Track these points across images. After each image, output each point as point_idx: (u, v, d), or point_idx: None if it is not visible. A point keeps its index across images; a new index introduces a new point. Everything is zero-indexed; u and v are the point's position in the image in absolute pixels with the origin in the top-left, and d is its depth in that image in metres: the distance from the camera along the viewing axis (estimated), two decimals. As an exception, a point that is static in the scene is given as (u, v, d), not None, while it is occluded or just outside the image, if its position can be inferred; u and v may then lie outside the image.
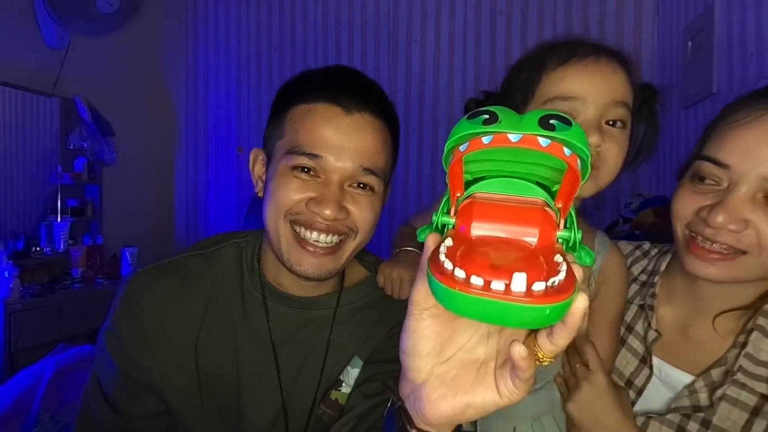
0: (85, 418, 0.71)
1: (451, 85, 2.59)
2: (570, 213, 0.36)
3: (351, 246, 0.67)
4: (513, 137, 0.33)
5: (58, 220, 2.56)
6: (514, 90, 0.69)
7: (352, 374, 0.70)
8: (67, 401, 1.37)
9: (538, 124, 0.32)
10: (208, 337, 0.70)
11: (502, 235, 0.36)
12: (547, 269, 0.32)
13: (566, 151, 0.33)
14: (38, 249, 2.47)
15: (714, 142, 0.61)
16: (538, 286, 0.30)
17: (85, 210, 2.69)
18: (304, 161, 0.62)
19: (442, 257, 0.33)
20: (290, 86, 0.70)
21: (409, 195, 2.69)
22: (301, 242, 0.64)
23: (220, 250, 0.75)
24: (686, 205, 0.62)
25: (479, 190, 0.38)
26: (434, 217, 0.39)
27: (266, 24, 2.98)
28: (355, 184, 0.65)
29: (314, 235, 0.64)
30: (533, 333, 0.37)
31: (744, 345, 0.63)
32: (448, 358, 0.40)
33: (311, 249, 0.64)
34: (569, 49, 0.64)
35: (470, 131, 0.34)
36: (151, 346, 0.68)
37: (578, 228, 0.37)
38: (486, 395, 0.39)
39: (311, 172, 0.63)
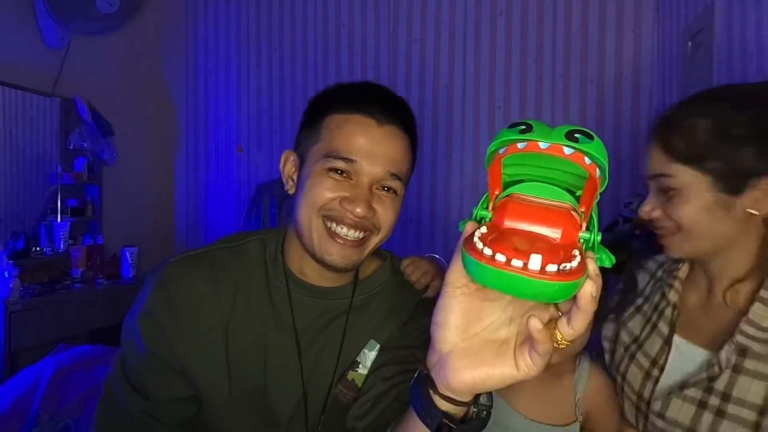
0: (109, 404, 0.74)
1: (451, 85, 2.59)
2: (591, 217, 0.42)
3: (374, 241, 0.75)
4: (543, 145, 0.40)
5: (58, 220, 2.56)
6: None
7: (369, 357, 0.77)
8: (67, 401, 1.37)
9: (565, 136, 0.39)
10: (238, 324, 0.76)
11: (531, 230, 0.42)
12: (563, 257, 0.39)
13: (587, 160, 0.39)
14: (38, 249, 2.47)
15: None
16: (551, 267, 0.37)
17: (85, 210, 2.69)
18: (340, 164, 0.70)
19: (476, 238, 0.41)
20: (326, 97, 0.78)
21: (409, 194, 2.69)
22: (333, 235, 0.72)
23: (246, 244, 0.82)
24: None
25: (517, 191, 0.45)
26: (474, 211, 0.47)
27: (266, 24, 2.98)
28: (382, 187, 0.73)
29: (344, 230, 0.72)
30: (553, 320, 0.43)
31: (745, 313, 0.72)
32: (474, 334, 0.45)
33: (341, 241, 0.72)
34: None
35: (509, 137, 0.41)
36: (185, 330, 0.73)
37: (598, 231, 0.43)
38: (505, 368, 0.44)
39: (344, 175, 0.71)
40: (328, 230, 0.72)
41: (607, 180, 0.41)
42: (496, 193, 0.46)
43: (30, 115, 2.50)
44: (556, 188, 0.44)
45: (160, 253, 2.96)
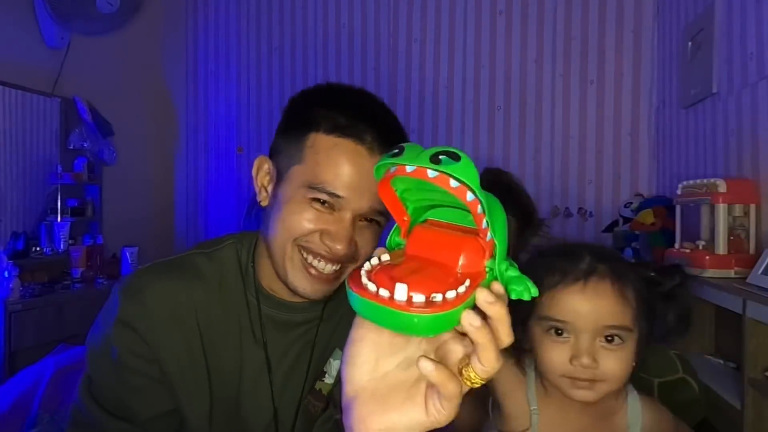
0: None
1: (451, 85, 2.59)
2: (495, 244, 0.39)
3: (350, 269, 0.69)
4: (408, 168, 0.38)
5: (58, 220, 2.56)
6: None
7: (334, 365, 0.75)
8: (67, 401, 1.37)
9: (429, 158, 0.37)
10: (215, 334, 0.72)
11: (434, 257, 0.41)
12: (448, 287, 0.36)
13: (452, 183, 0.36)
14: (38, 249, 2.47)
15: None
16: (418, 297, 0.35)
17: (85, 210, 2.69)
18: (324, 197, 0.65)
19: (364, 268, 0.40)
20: (312, 107, 0.69)
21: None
22: (307, 267, 0.67)
23: (221, 250, 0.77)
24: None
25: (431, 216, 0.45)
26: (389, 238, 0.46)
27: (266, 24, 2.98)
28: (365, 218, 0.67)
29: (321, 263, 0.67)
30: (467, 354, 0.39)
31: None
32: (384, 373, 0.41)
33: (314, 273, 0.67)
34: (562, 272, 0.71)
35: (382, 162, 0.41)
36: (166, 340, 0.69)
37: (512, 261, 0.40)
38: (413, 412, 0.39)
39: (327, 205, 0.65)
40: (303, 261, 0.67)
41: (486, 201, 0.37)
42: (405, 219, 0.45)
43: (30, 115, 2.50)
44: (469, 213, 0.40)
45: (160, 253, 2.94)
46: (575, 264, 0.70)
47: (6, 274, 2.08)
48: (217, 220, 3.12)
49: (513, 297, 0.39)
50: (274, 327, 0.74)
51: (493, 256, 0.39)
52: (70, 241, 2.55)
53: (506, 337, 0.38)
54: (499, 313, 0.37)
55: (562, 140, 2.43)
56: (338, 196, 0.64)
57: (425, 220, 0.45)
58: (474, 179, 0.36)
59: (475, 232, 0.40)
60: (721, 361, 1.45)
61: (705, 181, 1.41)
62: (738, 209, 1.35)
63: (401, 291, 0.35)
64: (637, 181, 2.32)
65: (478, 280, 0.38)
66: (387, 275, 0.38)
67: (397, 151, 0.40)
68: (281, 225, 0.67)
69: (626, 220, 2.03)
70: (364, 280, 0.38)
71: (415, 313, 0.35)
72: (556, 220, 2.41)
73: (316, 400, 0.74)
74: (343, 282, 0.73)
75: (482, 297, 0.37)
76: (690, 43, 1.80)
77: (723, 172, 1.58)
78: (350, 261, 0.68)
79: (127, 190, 2.91)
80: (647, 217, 1.79)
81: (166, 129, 3.20)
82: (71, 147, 2.61)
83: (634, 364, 0.70)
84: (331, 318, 0.77)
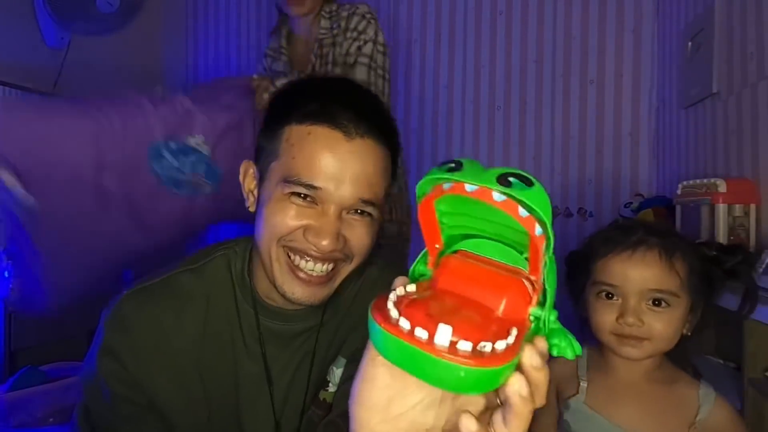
0: None
1: (451, 85, 2.59)
2: (546, 289, 0.34)
3: (346, 270, 0.66)
4: (469, 187, 0.32)
5: (58, 220, 2.55)
6: (578, 266, 0.84)
7: (337, 374, 0.71)
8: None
9: (496, 179, 0.31)
10: (209, 354, 0.69)
11: (470, 296, 0.35)
12: (493, 334, 0.31)
13: (522, 211, 0.31)
14: (38, 249, 2.46)
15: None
16: (464, 345, 0.29)
17: (85, 210, 2.68)
18: (302, 191, 0.61)
19: (390, 298, 0.34)
20: (286, 99, 0.67)
21: (410, 194, 2.68)
22: (295, 270, 0.63)
23: (210, 263, 0.73)
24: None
25: (466, 247, 0.38)
26: (413, 267, 0.40)
27: (266, 24, 2.97)
28: (353, 211, 0.63)
29: (309, 264, 0.63)
30: (490, 410, 0.35)
31: None
32: (397, 415, 0.36)
33: (304, 277, 0.63)
34: (614, 242, 0.78)
35: (435, 176, 0.35)
36: (153, 369, 0.66)
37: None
38: None
39: (308, 199, 0.61)
40: (290, 264, 0.63)
41: (552, 240, 0.32)
42: (437, 247, 0.39)
43: (30, 115, 2.49)
44: (512, 250, 0.36)
45: (160, 253, 2.96)
46: (628, 236, 0.77)
47: (6, 274, 2.08)
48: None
49: (554, 354, 0.34)
50: (273, 338, 0.70)
51: (540, 304, 0.34)
52: (70, 241, 2.54)
53: (540, 401, 0.33)
54: (542, 380, 0.32)
55: (562, 140, 2.43)
56: (315, 188, 0.60)
57: (456, 251, 0.39)
58: (547, 211, 0.31)
59: (518, 273, 0.35)
60: (721, 361, 1.45)
61: (705, 181, 1.41)
62: (738, 209, 1.35)
63: (444, 334, 0.29)
64: (637, 181, 2.32)
65: (523, 330, 0.33)
66: (422, 311, 0.32)
67: (453, 165, 0.34)
68: (264, 226, 0.64)
69: (626, 220, 2.03)
70: (394, 313, 0.32)
71: (460, 364, 0.28)
72: (556, 220, 2.41)
73: (320, 409, 0.71)
74: (340, 285, 0.70)
75: (529, 359, 0.31)
76: (690, 43, 1.80)
77: (723, 172, 1.58)
78: (344, 260, 0.64)
79: (127, 190, 2.90)
80: (647, 217, 1.79)
81: (166, 129, 3.19)
82: (71, 147, 2.61)
83: (685, 332, 0.77)
84: (329, 323, 0.72)
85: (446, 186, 0.34)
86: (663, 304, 0.74)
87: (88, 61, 2.67)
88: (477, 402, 0.35)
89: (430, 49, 2.63)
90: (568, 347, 0.34)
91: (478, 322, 0.32)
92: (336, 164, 0.60)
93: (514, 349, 0.31)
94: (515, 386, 0.31)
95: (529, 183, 0.31)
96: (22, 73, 2.39)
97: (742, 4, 1.47)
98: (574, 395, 0.80)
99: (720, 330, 1.53)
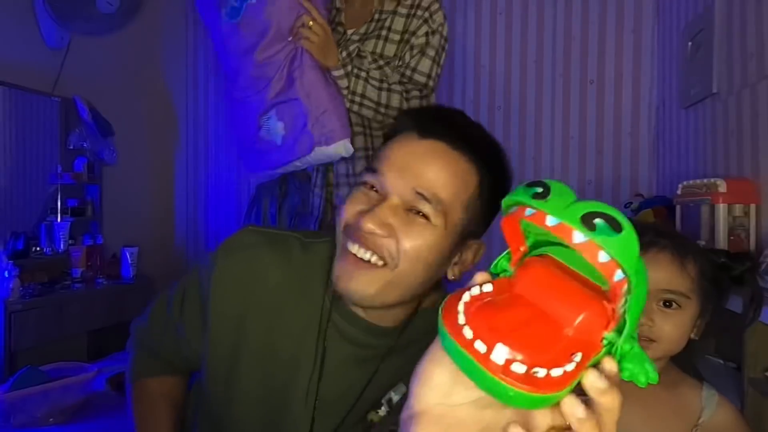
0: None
1: (451, 85, 2.59)
2: (625, 319, 0.32)
3: (385, 277, 0.61)
4: (550, 221, 0.31)
5: (58, 220, 2.56)
6: None
7: (394, 399, 0.68)
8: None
9: (581, 218, 0.29)
10: (282, 324, 0.69)
11: (545, 305, 0.33)
12: (554, 357, 0.30)
13: (602, 256, 0.29)
14: (38, 249, 2.46)
15: None
16: (518, 368, 0.29)
17: (85, 210, 2.69)
18: (368, 177, 0.63)
19: (463, 299, 0.34)
20: (394, 124, 0.71)
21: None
22: (345, 252, 0.63)
23: (317, 244, 0.73)
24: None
25: (553, 253, 0.36)
26: (495, 262, 0.39)
27: (266, 24, 2.97)
28: (414, 211, 0.61)
29: (355, 246, 0.62)
30: (558, 428, 0.34)
31: None
32: (455, 404, 0.36)
33: (350, 259, 0.62)
34: None
35: (518, 198, 0.33)
36: (225, 302, 0.70)
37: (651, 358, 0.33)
38: None
39: (373, 188, 0.63)
40: (344, 247, 0.63)
41: (641, 289, 0.31)
42: (522, 249, 0.37)
43: (30, 115, 2.50)
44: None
45: (160, 253, 2.96)
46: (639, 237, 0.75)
47: (6, 274, 2.08)
48: (218, 220, 3.11)
49: (625, 377, 0.32)
50: (339, 337, 0.69)
51: (617, 331, 0.32)
52: (70, 241, 2.55)
53: (610, 428, 0.31)
54: (611, 404, 0.31)
55: (562, 140, 2.43)
56: (376, 171, 0.62)
57: (543, 254, 0.37)
58: (632, 257, 0.29)
59: (600, 292, 0.33)
60: (721, 361, 1.45)
61: (705, 181, 1.41)
62: (738, 209, 1.35)
63: (500, 353, 0.30)
64: (637, 181, 2.32)
65: (591, 354, 0.31)
66: (488, 322, 0.32)
67: (541, 190, 0.32)
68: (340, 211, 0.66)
69: (626, 220, 2.02)
70: (461, 319, 0.32)
71: (510, 385, 0.29)
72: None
73: (363, 430, 0.68)
74: (426, 315, 0.69)
75: (591, 383, 0.30)
76: (690, 43, 1.80)
77: (723, 172, 1.57)
78: (388, 261, 0.61)
79: (127, 190, 2.91)
80: (647, 217, 1.78)
81: (166, 129, 3.19)
82: (71, 147, 2.61)
83: (693, 336, 0.75)
84: (402, 351, 0.69)
85: (528, 212, 0.32)
86: (674, 305, 0.73)
87: (88, 61, 2.67)
88: (544, 419, 0.33)
89: (430, 49, 2.63)
90: (641, 373, 0.32)
91: (543, 342, 0.31)
92: (403, 157, 0.62)
93: (570, 377, 0.30)
94: (567, 407, 0.30)
95: (617, 227, 0.29)
96: (22, 73, 2.39)
97: (742, 4, 1.47)
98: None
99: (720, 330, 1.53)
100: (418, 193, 0.60)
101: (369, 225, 0.59)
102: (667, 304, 0.73)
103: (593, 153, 2.39)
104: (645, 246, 0.73)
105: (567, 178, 2.42)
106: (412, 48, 1.61)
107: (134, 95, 2.97)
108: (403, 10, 1.62)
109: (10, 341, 2.00)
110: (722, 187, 1.35)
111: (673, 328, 0.73)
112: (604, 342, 0.32)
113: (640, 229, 0.78)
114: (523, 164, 2.47)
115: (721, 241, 1.33)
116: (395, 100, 1.58)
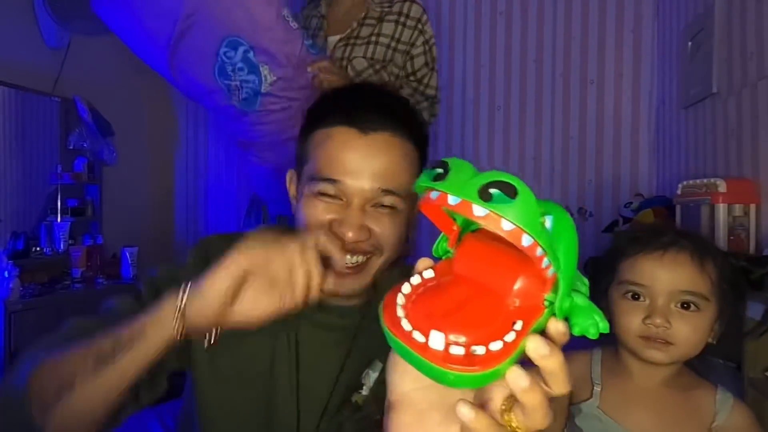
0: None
1: (451, 85, 2.59)
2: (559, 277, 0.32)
3: (377, 264, 0.68)
4: (451, 200, 0.31)
5: (58, 220, 2.56)
6: (602, 268, 0.81)
7: (372, 377, 0.70)
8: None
9: (478, 192, 0.29)
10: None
11: (486, 279, 0.34)
12: (491, 333, 0.30)
13: (505, 225, 0.29)
14: (38, 249, 2.46)
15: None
16: (456, 350, 0.30)
17: (85, 210, 2.69)
18: (325, 187, 0.64)
19: (401, 291, 0.34)
20: (313, 109, 0.72)
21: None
22: (333, 265, 0.64)
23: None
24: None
25: None
26: (435, 245, 0.39)
27: (266, 24, 2.97)
28: (378, 205, 0.65)
29: (346, 258, 0.64)
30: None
31: None
32: (427, 385, 0.37)
33: (342, 269, 0.65)
34: (644, 243, 0.75)
35: (422, 183, 0.33)
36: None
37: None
38: None
39: (333, 195, 0.65)
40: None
41: (566, 243, 0.31)
42: (455, 229, 0.37)
43: (30, 115, 2.50)
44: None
45: (160, 253, 2.96)
46: (658, 237, 0.75)
47: (6, 274, 2.08)
48: (217, 220, 3.12)
49: (575, 333, 0.33)
50: (310, 327, 0.71)
51: (554, 290, 0.32)
52: (70, 241, 2.55)
53: (559, 389, 0.32)
54: (554, 366, 0.31)
55: (562, 140, 2.43)
56: (335, 181, 0.63)
57: (478, 229, 0.37)
58: (533, 219, 0.29)
59: (536, 253, 0.33)
60: (721, 361, 1.45)
61: (705, 181, 1.41)
62: (738, 209, 1.35)
63: (437, 340, 0.30)
64: (637, 181, 2.32)
65: (532, 319, 0.32)
66: (424, 310, 0.33)
67: (441, 171, 0.32)
68: (299, 224, 0.68)
69: (626, 220, 2.03)
70: (399, 312, 0.33)
71: (450, 369, 0.29)
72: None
73: (350, 412, 0.70)
74: (380, 287, 0.71)
75: (534, 349, 0.30)
76: (690, 43, 1.80)
77: (723, 172, 1.58)
78: (374, 253, 0.66)
79: (127, 190, 2.91)
80: (647, 217, 1.78)
81: (166, 129, 3.19)
82: (71, 147, 2.61)
83: (710, 340, 0.74)
84: (370, 327, 0.71)
85: (433, 196, 0.32)
86: (692, 307, 0.71)
87: (88, 61, 2.67)
88: (504, 391, 0.34)
89: (430, 49, 2.63)
90: (592, 326, 0.32)
91: (480, 318, 0.32)
92: (354, 159, 0.64)
93: (510, 348, 0.30)
94: (511, 379, 0.30)
95: (512, 192, 0.29)
96: (22, 73, 2.39)
97: (742, 4, 1.47)
98: (587, 399, 0.78)
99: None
100: (384, 190, 0.64)
101: (352, 236, 0.63)
102: (686, 305, 0.71)
103: (593, 153, 2.39)
104: (665, 246, 0.73)
105: (567, 178, 2.42)
106: (413, 59, 1.69)
107: (134, 95, 2.97)
108: (390, 17, 1.67)
109: (10, 341, 2.00)
110: (722, 187, 1.35)
111: (691, 331, 0.71)
112: (546, 304, 0.32)
113: (662, 230, 0.76)
114: (523, 164, 2.47)
115: (721, 241, 1.34)
116: None
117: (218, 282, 0.51)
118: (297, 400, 0.70)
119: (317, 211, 0.65)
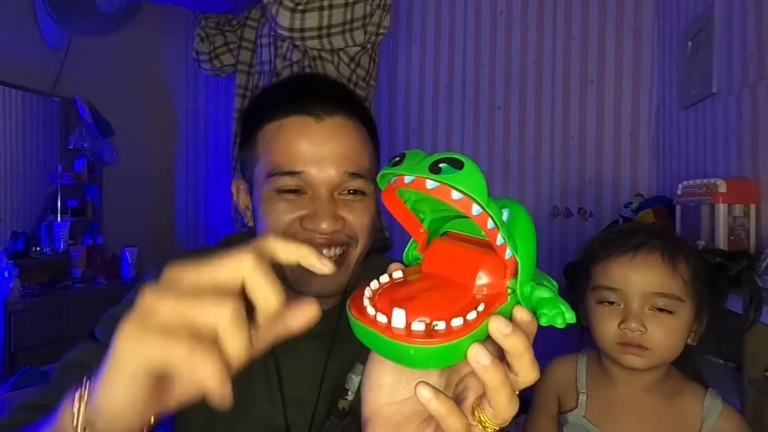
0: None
1: (451, 85, 2.59)
2: (518, 261, 0.33)
3: (355, 254, 0.65)
4: (407, 179, 0.34)
5: (58, 220, 2.56)
6: (578, 273, 0.81)
7: (355, 381, 0.68)
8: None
9: (428, 167, 0.32)
10: None
11: (451, 274, 0.36)
12: (453, 313, 0.32)
13: (454, 194, 0.31)
14: (38, 249, 2.47)
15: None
16: (417, 326, 0.31)
17: (85, 210, 2.69)
18: (286, 181, 0.60)
19: (368, 288, 0.36)
20: (255, 106, 0.68)
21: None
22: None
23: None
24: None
25: (454, 228, 0.40)
26: (405, 252, 0.41)
27: (266, 24, 2.97)
28: (345, 192, 0.62)
29: (325, 251, 0.61)
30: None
31: None
32: (403, 399, 0.38)
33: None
34: (615, 245, 0.75)
35: (384, 172, 0.36)
36: None
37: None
38: None
39: (297, 191, 0.61)
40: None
41: (522, 228, 0.33)
42: (421, 231, 0.40)
43: (30, 115, 2.50)
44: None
45: (160, 253, 2.96)
46: (629, 239, 0.74)
47: (6, 274, 2.08)
48: (217, 221, 3.11)
49: (543, 323, 0.34)
50: (287, 340, 0.68)
51: (515, 276, 0.34)
52: (70, 241, 2.55)
53: (526, 375, 0.32)
54: (517, 347, 0.31)
55: (562, 140, 2.43)
56: (298, 173, 0.59)
57: (445, 233, 0.40)
58: (480, 189, 0.31)
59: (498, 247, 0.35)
60: (721, 361, 1.45)
61: (705, 181, 1.41)
62: (738, 209, 1.35)
63: (399, 317, 0.31)
64: (637, 181, 2.32)
65: (494, 304, 0.33)
66: (389, 298, 0.34)
67: (398, 159, 0.35)
68: (263, 231, 0.62)
69: (626, 220, 2.03)
70: (365, 302, 0.35)
71: (411, 344, 0.30)
72: (556, 220, 2.41)
73: (339, 419, 0.68)
74: (352, 288, 0.69)
75: (495, 327, 0.31)
76: (690, 43, 1.80)
77: (723, 172, 1.58)
78: (350, 243, 0.63)
79: (127, 190, 2.91)
80: (647, 217, 1.78)
81: (166, 129, 3.20)
82: (71, 147, 2.62)
83: (689, 341, 0.73)
84: (347, 330, 0.70)
85: (392, 180, 0.36)
86: (666, 310, 0.70)
87: (88, 61, 2.67)
88: (476, 388, 0.35)
89: (430, 49, 2.63)
90: (558, 315, 0.33)
91: (443, 302, 0.33)
92: (312, 146, 0.60)
93: (472, 324, 0.31)
94: (471, 355, 0.31)
95: (458, 165, 0.31)
96: (22, 73, 2.39)
97: (742, 4, 1.47)
98: (573, 409, 0.78)
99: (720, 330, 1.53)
100: (351, 174, 0.61)
101: (326, 227, 0.59)
102: (660, 309, 0.70)
103: (593, 153, 2.39)
104: (636, 248, 0.72)
105: (567, 178, 2.42)
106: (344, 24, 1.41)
107: (134, 95, 2.97)
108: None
109: (10, 341, 2.00)
110: (722, 187, 1.35)
111: (667, 334, 0.70)
112: (509, 292, 0.34)
113: (632, 231, 0.75)
114: (523, 164, 2.47)
115: (721, 241, 1.33)
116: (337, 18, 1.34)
117: (116, 397, 0.30)
118: (285, 415, 0.67)
119: (281, 211, 0.60)
